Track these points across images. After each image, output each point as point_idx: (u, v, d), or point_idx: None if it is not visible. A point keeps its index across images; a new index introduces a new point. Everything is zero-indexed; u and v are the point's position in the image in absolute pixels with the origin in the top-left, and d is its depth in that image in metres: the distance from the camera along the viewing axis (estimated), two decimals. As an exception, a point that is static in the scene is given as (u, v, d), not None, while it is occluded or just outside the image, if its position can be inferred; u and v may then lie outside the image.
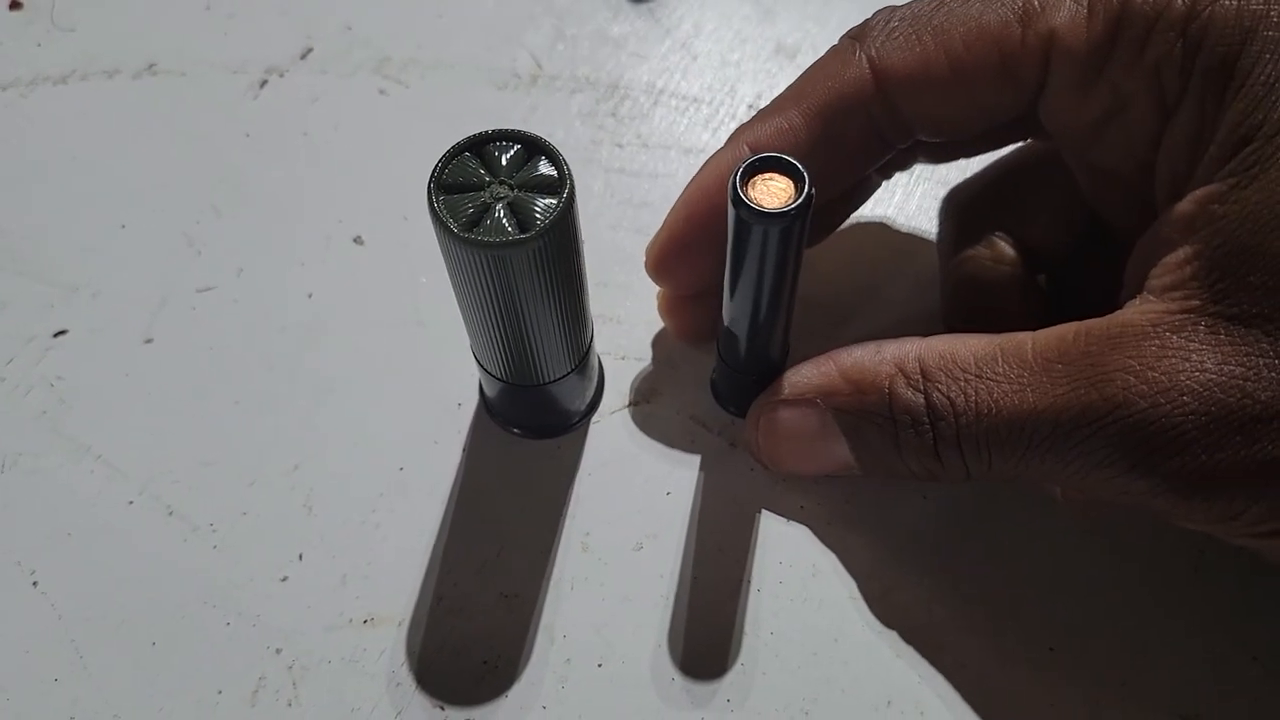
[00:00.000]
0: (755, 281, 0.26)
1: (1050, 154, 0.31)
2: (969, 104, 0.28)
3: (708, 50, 0.40)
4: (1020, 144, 0.32)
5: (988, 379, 0.25)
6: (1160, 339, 0.24)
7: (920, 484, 0.31)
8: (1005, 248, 0.32)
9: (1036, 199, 0.32)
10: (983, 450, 0.26)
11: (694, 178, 0.30)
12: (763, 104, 0.38)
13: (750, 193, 0.24)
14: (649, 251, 0.31)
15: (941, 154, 0.32)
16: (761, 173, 0.24)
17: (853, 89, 0.28)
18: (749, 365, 0.30)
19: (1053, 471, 0.25)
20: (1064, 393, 0.24)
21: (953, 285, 0.32)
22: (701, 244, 0.29)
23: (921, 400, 0.26)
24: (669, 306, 0.33)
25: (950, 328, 0.32)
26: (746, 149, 0.29)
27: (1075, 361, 0.24)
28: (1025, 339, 0.26)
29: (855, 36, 0.28)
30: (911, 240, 0.36)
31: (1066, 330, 0.25)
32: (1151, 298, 0.24)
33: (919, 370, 0.26)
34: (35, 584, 0.30)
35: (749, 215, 0.24)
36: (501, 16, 0.41)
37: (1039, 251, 0.32)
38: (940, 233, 0.34)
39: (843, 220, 0.34)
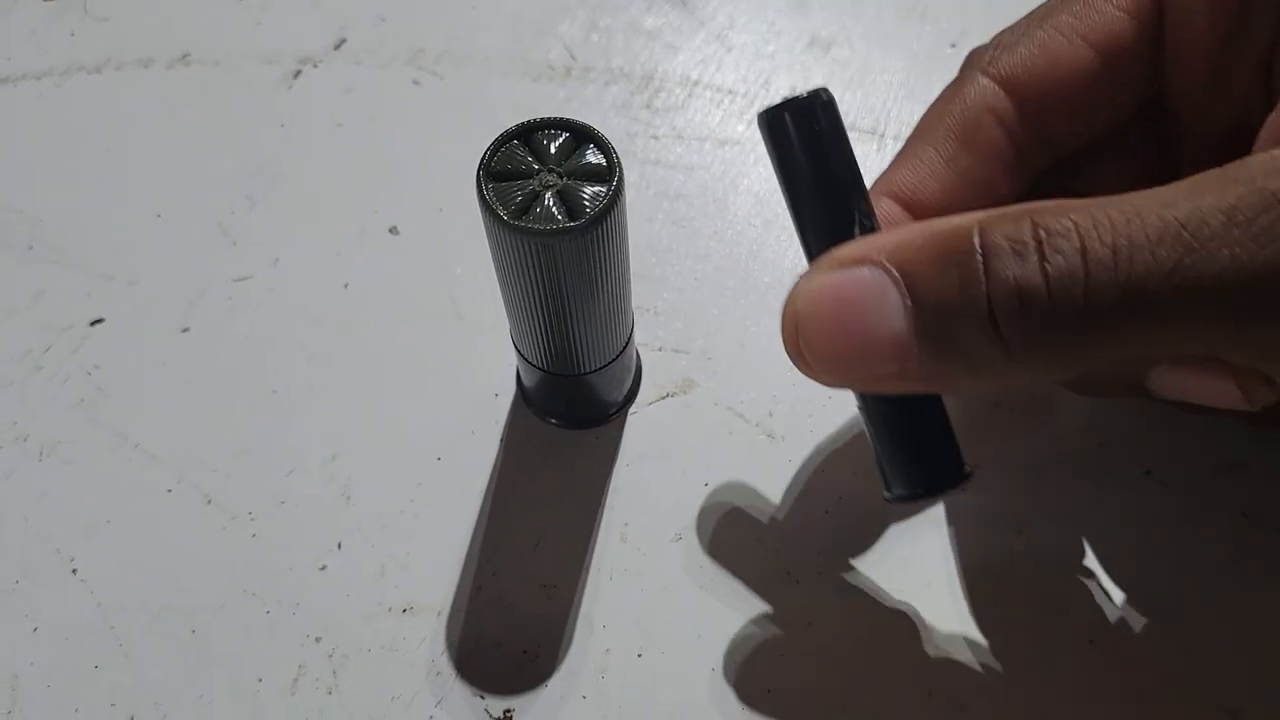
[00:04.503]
0: (806, 200, 0.24)
1: None
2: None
3: (742, 42, 0.40)
4: None
5: (1120, 203, 0.20)
6: None
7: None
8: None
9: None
10: (1121, 268, 0.19)
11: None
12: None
13: None
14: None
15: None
16: None
17: (980, 99, 0.27)
18: None
19: (1200, 295, 0.19)
20: (1244, 192, 0.19)
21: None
22: None
23: (1026, 225, 0.20)
24: None
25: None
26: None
27: (1247, 180, 0.19)
28: (1154, 189, 0.20)
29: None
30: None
31: (1212, 171, 0.20)
32: None
33: (1020, 209, 0.20)
34: (74, 571, 0.30)
35: (762, 117, 0.23)
36: (535, 8, 0.41)
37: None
38: None
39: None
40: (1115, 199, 0.20)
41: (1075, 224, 0.20)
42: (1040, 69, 0.27)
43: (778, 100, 0.23)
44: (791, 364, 0.23)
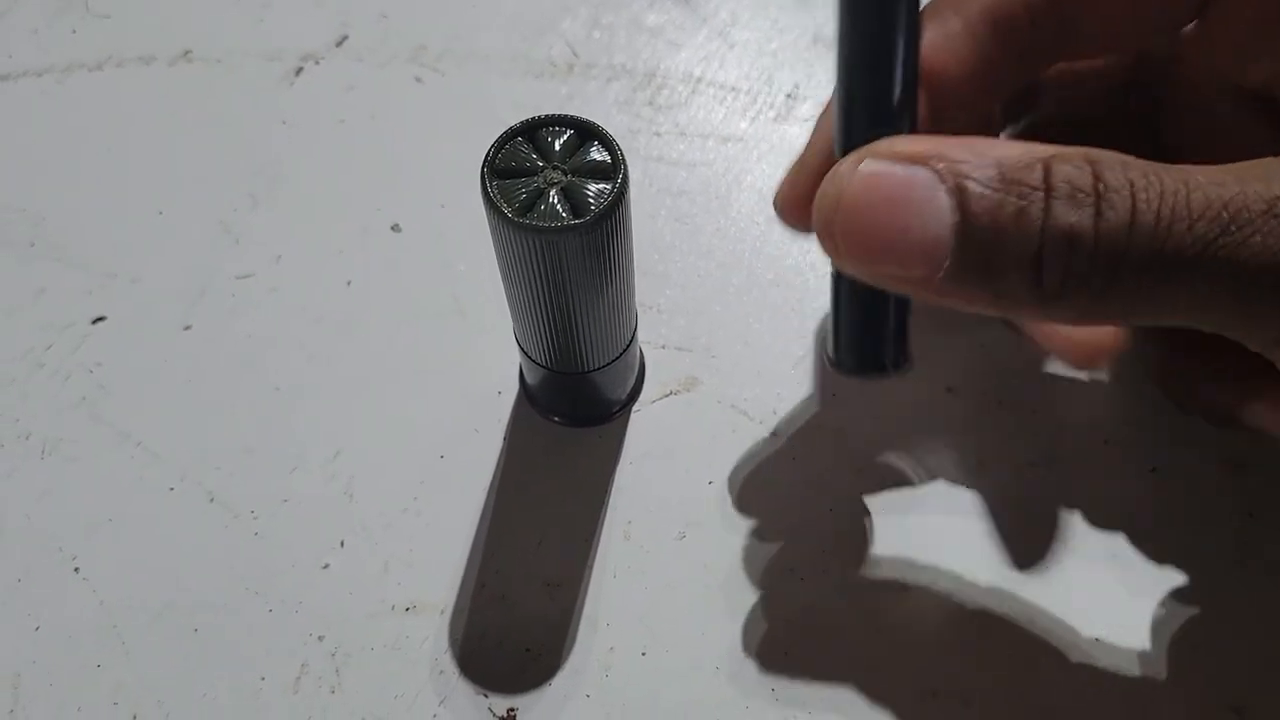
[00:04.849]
0: (866, 71, 0.23)
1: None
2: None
3: (745, 39, 0.40)
4: None
5: (1173, 172, 0.21)
6: None
7: (959, 474, 0.30)
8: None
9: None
10: (1159, 235, 0.20)
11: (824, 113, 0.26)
12: (801, 93, 0.38)
13: None
14: (781, 194, 0.28)
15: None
16: None
17: None
18: None
19: (1225, 272, 0.20)
20: None
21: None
22: None
23: (1089, 172, 0.21)
24: (795, 206, 0.28)
25: None
26: None
27: None
28: (1216, 167, 0.21)
29: None
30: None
31: (1258, 160, 0.21)
32: None
33: (1085, 156, 0.21)
34: (77, 570, 0.30)
35: None
36: (537, 5, 0.41)
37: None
38: None
39: None
40: (1170, 168, 0.20)
41: (1131, 183, 0.20)
42: None
43: None
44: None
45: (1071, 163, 0.21)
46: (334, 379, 0.33)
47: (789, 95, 0.39)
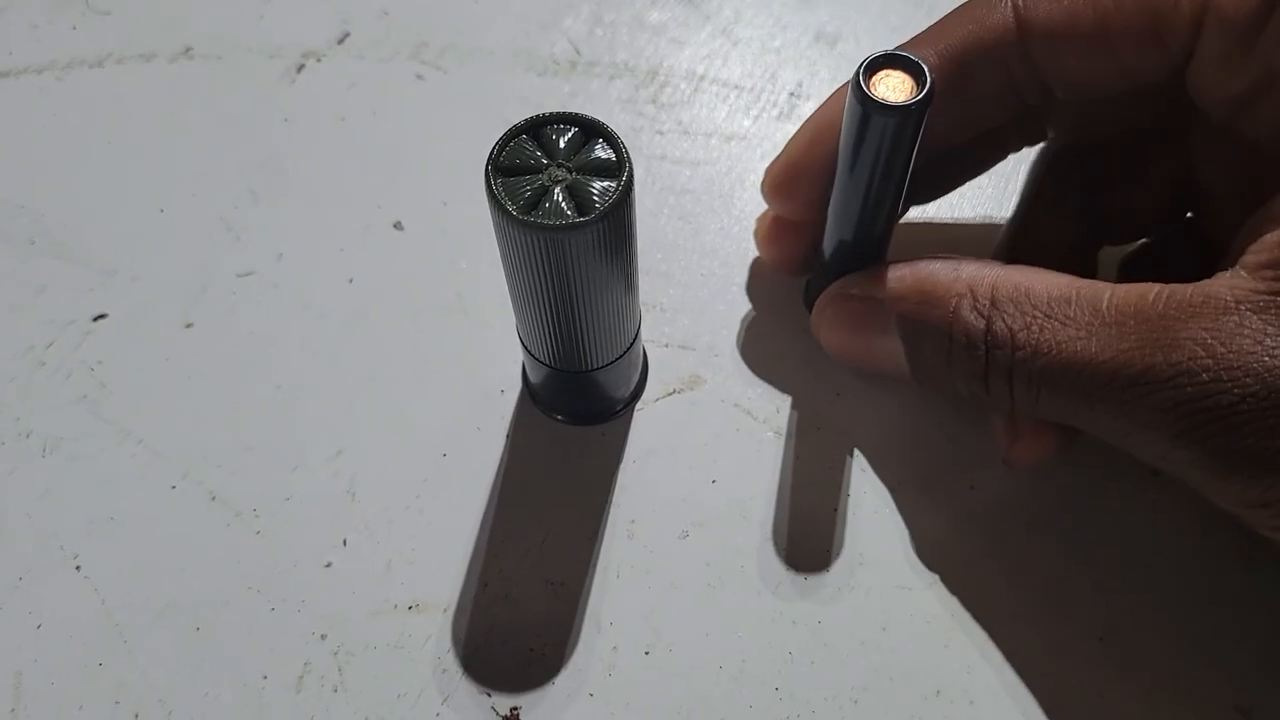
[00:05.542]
0: (868, 178, 0.26)
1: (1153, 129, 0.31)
2: (1112, 65, 0.27)
3: (748, 37, 0.40)
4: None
5: (1056, 319, 0.25)
6: (1239, 316, 0.23)
7: (963, 474, 0.31)
8: (1073, 216, 0.31)
9: (1130, 166, 0.31)
10: (1032, 387, 0.26)
11: (820, 106, 0.30)
12: (804, 91, 0.38)
13: (873, 89, 0.24)
14: (768, 172, 0.31)
15: (1075, 125, 0.31)
16: (885, 69, 0.24)
17: (993, 36, 0.27)
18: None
19: (1096, 423, 0.25)
20: (1129, 349, 0.24)
21: (1008, 237, 0.32)
22: (819, 169, 0.29)
23: (982, 325, 0.26)
24: (770, 233, 0.33)
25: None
26: None
27: (1149, 321, 0.24)
28: (1104, 288, 0.25)
29: None
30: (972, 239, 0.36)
31: (1148, 289, 0.25)
32: (1243, 273, 0.24)
33: (990, 296, 0.26)
34: (78, 568, 0.30)
35: (871, 108, 0.24)
36: (539, 2, 0.41)
37: (1114, 220, 0.31)
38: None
39: (957, 184, 0.33)
40: (1053, 311, 0.25)
41: (1013, 336, 0.26)
42: (1063, 24, 0.27)
43: (909, 98, 0.24)
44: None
45: (975, 307, 0.26)
46: (336, 377, 0.33)
47: (792, 93, 0.39)
